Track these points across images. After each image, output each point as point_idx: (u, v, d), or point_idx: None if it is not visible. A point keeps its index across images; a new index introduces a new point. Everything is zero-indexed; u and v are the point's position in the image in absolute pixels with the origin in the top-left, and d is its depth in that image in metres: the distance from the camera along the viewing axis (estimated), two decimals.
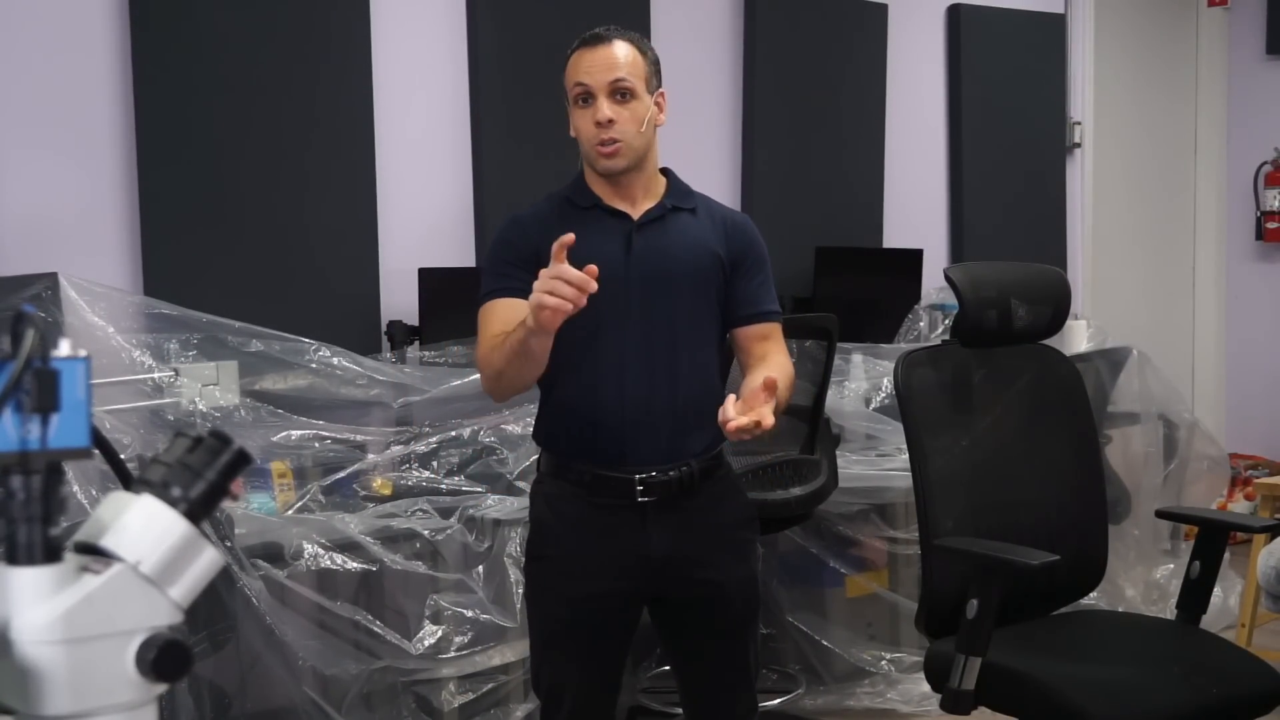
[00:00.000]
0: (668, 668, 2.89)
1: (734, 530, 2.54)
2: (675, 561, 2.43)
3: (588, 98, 2.40)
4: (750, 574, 2.55)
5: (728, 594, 2.49)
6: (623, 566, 2.42)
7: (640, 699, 3.85)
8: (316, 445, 3.40)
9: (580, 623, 2.44)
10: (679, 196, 2.51)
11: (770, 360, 2.44)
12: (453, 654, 3.19)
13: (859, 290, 4.78)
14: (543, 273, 2.14)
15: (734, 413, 2.13)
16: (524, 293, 2.26)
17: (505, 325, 2.32)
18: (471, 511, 3.31)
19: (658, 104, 2.46)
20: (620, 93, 2.39)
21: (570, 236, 2.14)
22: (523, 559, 2.69)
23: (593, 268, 2.11)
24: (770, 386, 2.16)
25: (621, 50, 2.41)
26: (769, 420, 2.15)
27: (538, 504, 2.51)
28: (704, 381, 2.46)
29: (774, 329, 2.52)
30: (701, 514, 2.45)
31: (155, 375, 3.20)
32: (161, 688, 1.03)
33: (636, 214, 2.45)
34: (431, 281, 3.77)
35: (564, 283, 2.09)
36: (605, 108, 2.37)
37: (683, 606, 2.50)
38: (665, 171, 2.55)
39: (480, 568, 3.25)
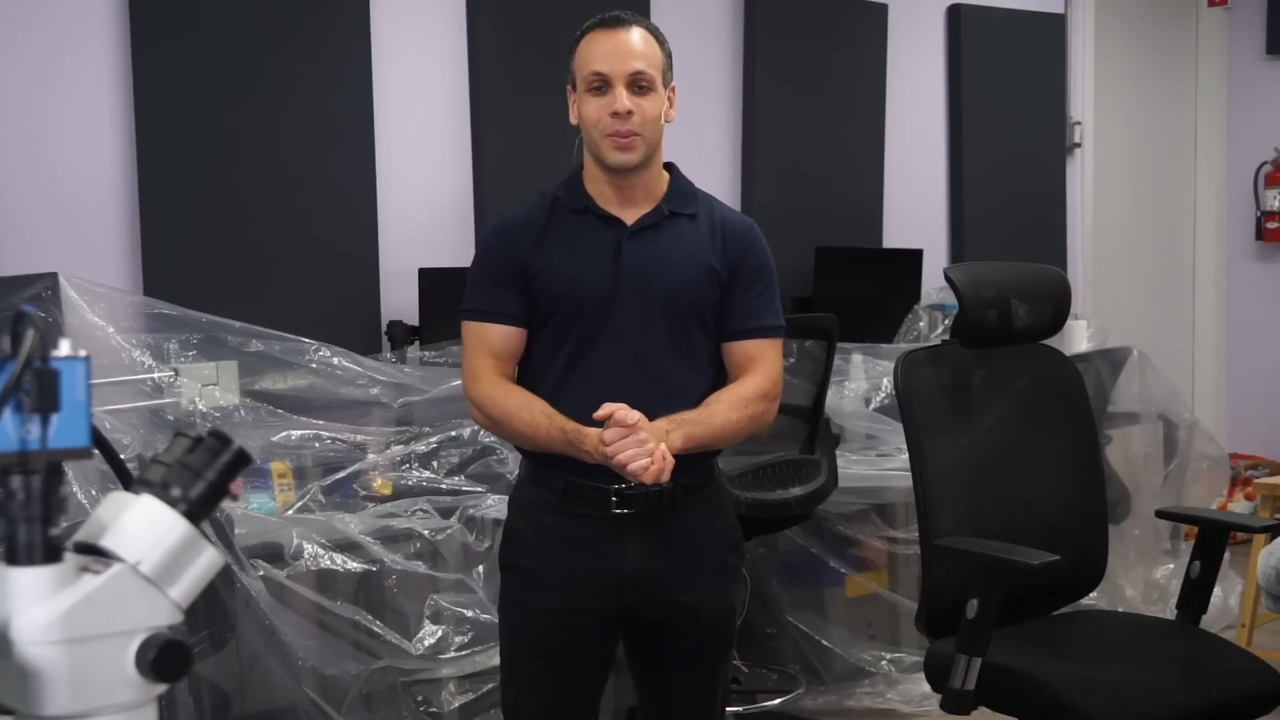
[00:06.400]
0: None
1: (715, 554, 2.36)
2: (648, 580, 2.27)
3: (604, 86, 2.23)
4: (728, 604, 2.37)
5: (701, 621, 2.32)
6: (594, 582, 2.26)
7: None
8: (316, 445, 3.40)
9: (549, 639, 2.29)
10: (679, 200, 2.32)
11: (745, 378, 2.30)
12: (453, 654, 3.18)
13: (859, 290, 4.78)
14: (600, 451, 2.09)
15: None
16: (512, 317, 2.27)
17: (495, 356, 2.27)
18: (471, 511, 3.31)
19: (669, 99, 2.30)
20: (639, 85, 2.23)
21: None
22: None
23: (623, 415, 2.09)
24: (620, 423, 2.09)
25: (642, 39, 2.26)
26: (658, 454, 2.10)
27: (513, 511, 2.39)
28: (691, 396, 2.27)
29: (765, 348, 2.32)
30: (681, 532, 2.29)
31: (155, 375, 3.20)
32: (161, 688, 1.03)
33: (631, 219, 2.28)
34: (431, 281, 3.77)
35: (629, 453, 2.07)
36: (625, 98, 2.21)
37: (652, 631, 2.34)
38: (669, 167, 2.36)
39: (480, 568, 3.25)
